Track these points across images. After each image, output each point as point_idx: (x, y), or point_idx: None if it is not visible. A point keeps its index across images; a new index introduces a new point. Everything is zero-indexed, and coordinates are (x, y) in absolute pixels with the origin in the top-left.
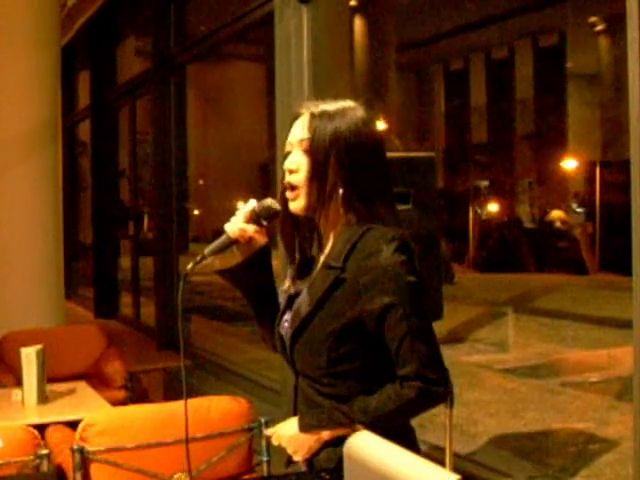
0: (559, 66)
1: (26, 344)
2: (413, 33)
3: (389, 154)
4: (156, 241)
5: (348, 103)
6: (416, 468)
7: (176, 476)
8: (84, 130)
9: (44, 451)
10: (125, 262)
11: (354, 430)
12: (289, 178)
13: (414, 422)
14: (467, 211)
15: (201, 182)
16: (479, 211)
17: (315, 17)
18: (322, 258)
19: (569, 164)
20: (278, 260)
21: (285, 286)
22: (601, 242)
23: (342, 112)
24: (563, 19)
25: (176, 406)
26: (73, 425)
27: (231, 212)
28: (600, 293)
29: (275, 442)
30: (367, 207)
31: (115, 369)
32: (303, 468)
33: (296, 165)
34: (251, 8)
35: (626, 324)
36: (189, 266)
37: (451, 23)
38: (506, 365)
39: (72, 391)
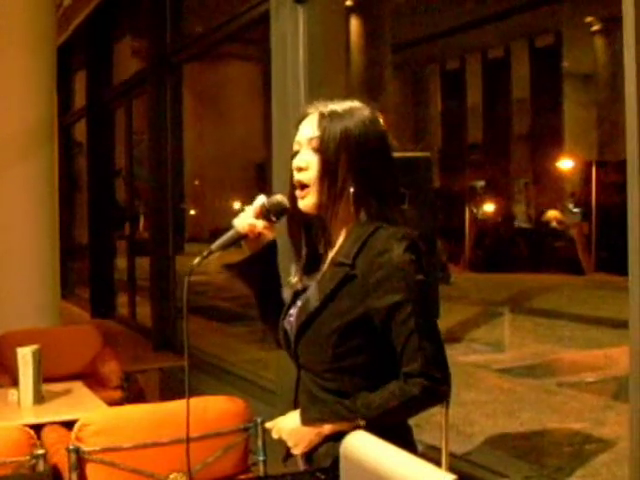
0: (555, 66)
1: (22, 344)
2: (409, 33)
3: None
4: (152, 241)
5: (355, 103)
6: (412, 468)
7: (172, 476)
8: (80, 130)
9: (40, 451)
10: (121, 262)
11: (356, 425)
12: (299, 176)
13: (410, 422)
14: (463, 211)
15: (197, 182)
16: (475, 211)
17: (311, 17)
18: (331, 255)
19: (565, 164)
20: (282, 256)
21: (292, 281)
22: (597, 242)
23: (350, 111)
24: (559, 19)
25: (172, 406)
26: (69, 425)
27: (227, 212)
28: (596, 293)
29: (275, 435)
30: (378, 205)
31: (111, 369)
32: (300, 462)
33: (306, 163)
34: (247, 8)
35: (622, 324)
36: (196, 260)
37: (447, 23)
38: (502, 365)
39: (68, 391)
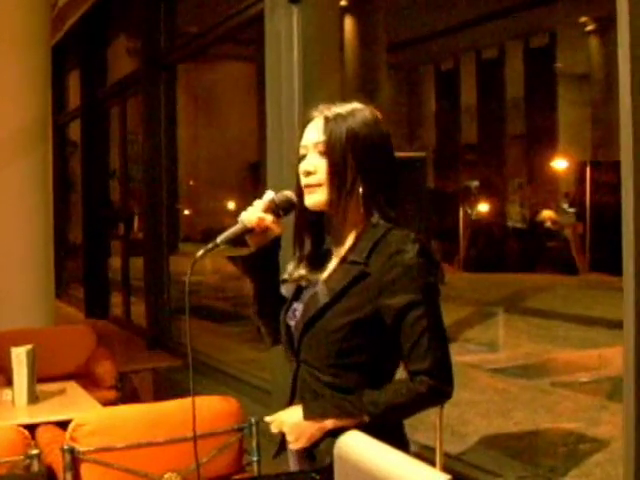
0: (549, 66)
1: (16, 344)
2: (404, 33)
3: None
4: (146, 241)
5: (357, 104)
6: (407, 468)
7: (166, 476)
8: (74, 130)
9: (34, 451)
10: (115, 262)
11: (359, 421)
12: (308, 180)
13: (404, 421)
14: (457, 211)
15: (191, 182)
16: (469, 211)
17: (305, 17)
18: (340, 253)
19: (559, 164)
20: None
21: (293, 276)
22: (591, 242)
23: (353, 113)
24: (553, 19)
25: (166, 406)
26: (63, 425)
27: (221, 212)
28: (590, 293)
29: (275, 429)
30: (386, 204)
31: (105, 369)
32: (293, 460)
33: (314, 167)
34: (241, 8)
35: (616, 324)
36: (199, 252)
37: (442, 23)
38: (496, 365)
39: (62, 391)
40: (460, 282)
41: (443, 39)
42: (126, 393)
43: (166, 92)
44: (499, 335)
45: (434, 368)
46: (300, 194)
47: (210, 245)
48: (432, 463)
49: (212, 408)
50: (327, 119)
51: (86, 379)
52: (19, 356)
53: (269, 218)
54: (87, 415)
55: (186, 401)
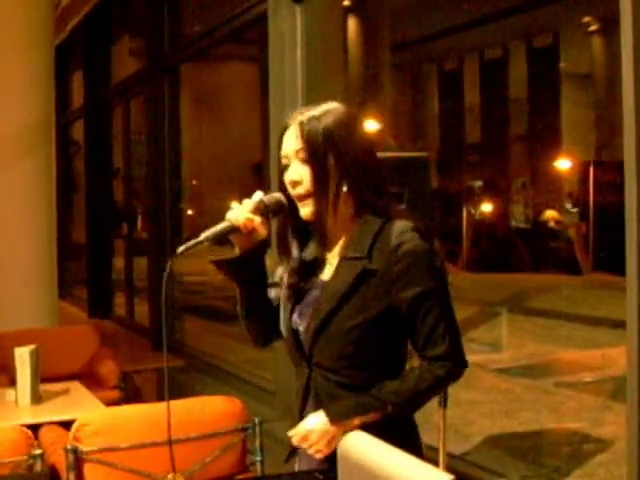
0: (553, 66)
1: (20, 344)
2: (407, 33)
3: (383, 154)
4: (150, 241)
5: (332, 104)
6: (410, 468)
7: (170, 476)
8: (78, 130)
9: (37, 451)
10: (119, 262)
11: (383, 414)
12: (296, 191)
13: None
14: (461, 211)
15: (195, 182)
16: (473, 211)
17: (308, 17)
18: (335, 253)
19: (563, 164)
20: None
21: (289, 280)
22: (595, 242)
23: (327, 112)
24: (557, 19)
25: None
26: (67, 425)
27: (225, 212)
28: (594, 293)
29: (297, 442)
30: (373, 197)
31: (109, 369)
32: (301, 462)
33: (299, 176)
34: (244, 8)
35: (620, 324)
36: (180, 248)
37: (445, 23)
38: (500, 365)
39: (66, 391)
40: (463, 282)
41: (446, 39)
42: (129, 393)
43: (169, 92)
44: (503, 335)
45: (452, 352)
46: (289, 199)
47: (192, 242)
48: (435, 463)
49: (216, 408)
50: (302, 124)
51: (89, 379)
52: (22, 356)
53: (257, 219)
54: (90, 415)
55: (189, 401)
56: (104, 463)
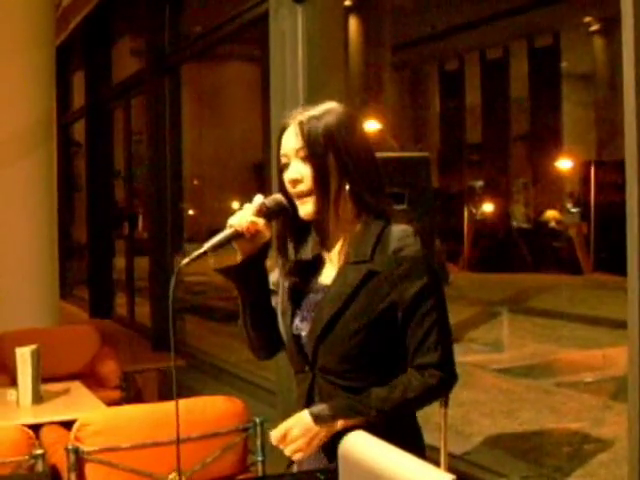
0: (554, 66)
1: (21, 344)
2: (408, 33)
3: (384, 154)
4: (151, 241)
5: (331, 104)
6: (411, 468)
7: (171, 476)
8: (79, 130)
9: (39, 451)
10: (120, 262)
11: (368, 420)
12: (296, 189)
13: None
14: (462, 211)
15: (196, 182)
16: (474, 211)
17: (310, 17)
18: (335, 255)
19: (564, 164)
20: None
21: (287, 285)
22: (596, 242)
23: (327, 112)
24: (558, 19)
25: (171, 406)
26: (68, 425)
27: (226, 212)
28: (595, 293)
29: (275, 441)
30: (373, 198)
31: (110, 369)
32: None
33: (300, 174)
34: (246, 8)
35: (621, 324)
36: (185, 260)
37: (446, 23)
38: (501, 365)
39: (67, 391)
40: (464, 282)
41: (447, 39)
42: (130, 393)
43: (170, 92)
44: (504, 335)
45: (444, 361)
46: (289, 201)
47: (196, 253)
48: (436, 463)
49: (217, 408)
50: (301, 123)
51: (90, 379)
52: (24, 356)
53: (261, 222)
54: (91, 415)
55: (191, 401)
56: (105, 463)
